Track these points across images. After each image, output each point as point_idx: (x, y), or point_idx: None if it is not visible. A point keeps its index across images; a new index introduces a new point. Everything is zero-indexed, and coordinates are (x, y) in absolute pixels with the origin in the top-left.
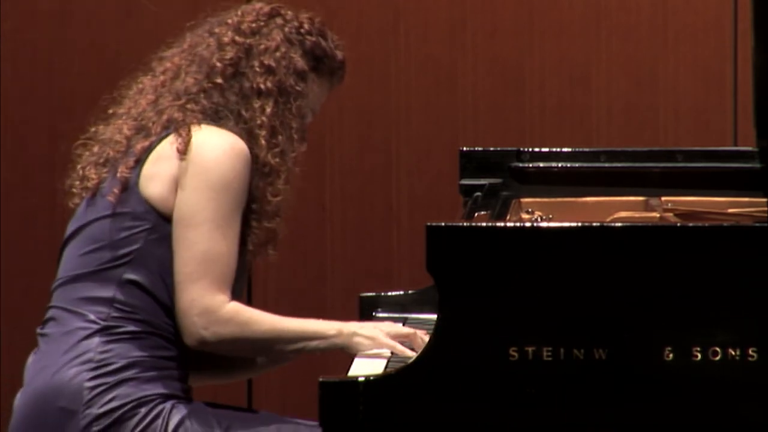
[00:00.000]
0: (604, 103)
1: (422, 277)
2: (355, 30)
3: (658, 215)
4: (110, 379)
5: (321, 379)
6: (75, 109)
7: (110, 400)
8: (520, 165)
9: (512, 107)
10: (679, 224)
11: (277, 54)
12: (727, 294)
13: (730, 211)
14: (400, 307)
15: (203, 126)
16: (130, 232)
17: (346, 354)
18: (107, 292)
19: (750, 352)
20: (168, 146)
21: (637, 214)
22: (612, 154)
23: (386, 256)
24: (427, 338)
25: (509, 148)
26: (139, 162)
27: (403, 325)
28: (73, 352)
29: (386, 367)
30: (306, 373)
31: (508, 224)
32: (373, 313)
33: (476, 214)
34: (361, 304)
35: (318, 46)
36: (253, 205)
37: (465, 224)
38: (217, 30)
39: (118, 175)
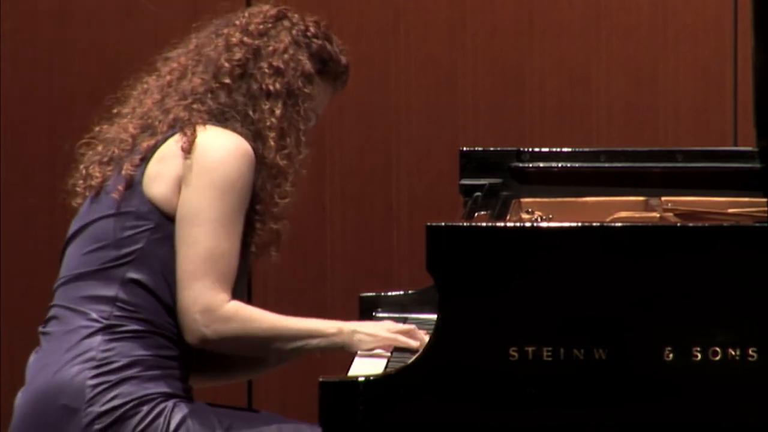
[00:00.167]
0: (604, 103)
1: (422, 277)
2: (355, 30)
3: (658, 215)
4: (112, 378)
5: (321, 379)
6: (75, 109)
7: (112, 399)
8: (520, 165)
9: (512, 107)
10: (679, 224)
11: (286, 56)
12: (727, 294)
13: (730, 211)
14: (400, 307)
15: (208, 126)
16: (133, 232)
17: (346, 354)
18: (110, 291)
19: (750, 352)
20: (173, 145)
21: (637, 214)
22: (612, 154)
23: (386, 256)
24: (427, 338)
25: (509, 148)
26: (145, 160)
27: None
28: (75, 350)
29: (386, 367)
30: (306, 373)
31: (508, 224)
32: (373, 313)
33: (476, 214)
34: (361, 304)
35: (324, 50)
36: (258, 206)
37: (465, 224)
38: (224, 31)
39: (123, 172)
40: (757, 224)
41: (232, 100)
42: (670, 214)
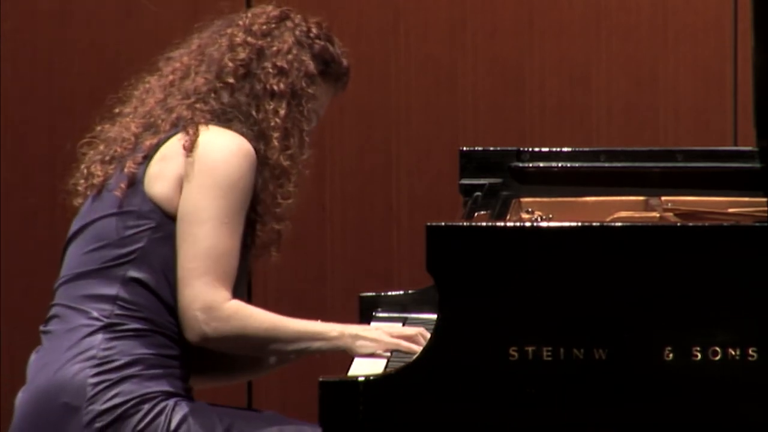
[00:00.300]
0: (604, 103)
1: (422, 277)
2: (355, 30)
3: (658, 215)
4: (113, 376)
5: (321, 379)
6: (75, 109)
7: (113, 397)
8: (520, 165)
9: (512, 107)
10: (679, 224)
11: (289, 56)
12: (727, 294)
13: (730, 211)
14: (400, 307)
15: (211, 126)
16: (134, 231)
17: (346, 354)
18: (111, 289)
19: (750, 352)
20: (175, 144)
21: (637, 214)
22: (612, 154)
23: (386, 256)
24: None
25: (509, 148)
26: (147, 158)
27: (403, 325)
28: (76, 348)
29: (386, 367)
30: (306, 373)
31: (508, 224)
32: (373, 313)
33: (476, 214)
34: (361, 304)
35: (326, 51)
36: (258, 206)
37: (465, 224)
38: (228, 31)
39: (126, 170)
40: (757, 224)
41: (235, 100)
42: (670, 214)
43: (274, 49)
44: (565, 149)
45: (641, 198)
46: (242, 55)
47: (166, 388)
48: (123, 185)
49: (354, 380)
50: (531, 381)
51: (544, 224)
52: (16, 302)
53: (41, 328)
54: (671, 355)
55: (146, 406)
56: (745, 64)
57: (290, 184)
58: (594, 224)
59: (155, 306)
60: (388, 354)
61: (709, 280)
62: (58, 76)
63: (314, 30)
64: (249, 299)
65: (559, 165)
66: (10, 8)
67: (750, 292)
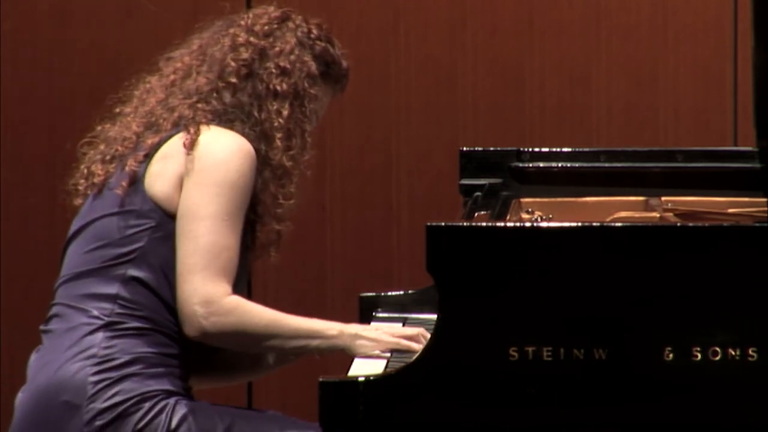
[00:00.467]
0: (604, 103)
1: (422, 277)
2: (355, 30)
3: (658, 215)
4: (114, 374)
5: (321, 379)
6: (75, 109)
7: (114, 395)
8: (520, 165)
9: (512, 107)
10: (679, 224)
11: (292, 57)
12: (727, 294)
13: (730, 211)
14: (400, 307)
15: (212, 126)
16: (134, 230)
17: (346, 354)
18: (111, 288)
19: (750, 352)
20: (176, 143)
21: (637, 214)
22: (612, 154)
23: (386, 256)
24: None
25: (509, 148)
26: (148, 156)
27: (403, 325)
28: (76, 347)
29: (386, 367)
30: (306, 373)
31: (508, 224)
32: (373, 313)
33: (476, 214)
34: (361, 304)
35: (327, 52)
36: (258, 207)
37: (465, 224)
38: (230, 31)
39: (127, 168)
40: (757, 224)
41: (237, 100)
42: (670, 214)
43: (277, 49)
44: (565, 149)
45: (641, 198)
46: (245, 55)
47: (166, 386)
48: (124, 183)
49: (354, 380)
50: (531, 381)
51: (544, 224)
52: (16, 302)
53: (41, 327)
54: (671, 355)
55: (147, 405)
56: (745, 64)
57: (292, 185)
58: (594, 224)
59: (155, 305)
60: (388, 354)
61: (709, 280)
62: (58, 76)
63: (315, 31)
64: (249, 299)
65: (559, 165)
66: (10, 8)
67: (750, 292)
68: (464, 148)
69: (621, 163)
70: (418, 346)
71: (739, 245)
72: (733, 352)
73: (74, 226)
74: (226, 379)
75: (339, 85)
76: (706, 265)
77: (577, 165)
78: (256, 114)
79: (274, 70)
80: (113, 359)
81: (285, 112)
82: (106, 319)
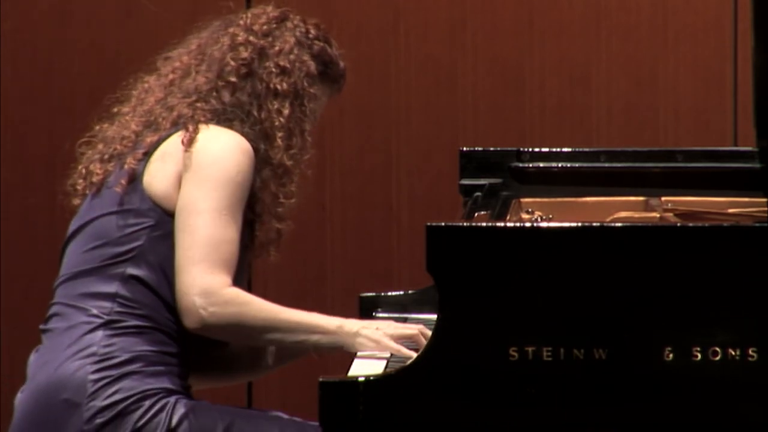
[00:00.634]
0: (604, 103)
1: (422, 277)
2: (355, 30)
3: (658, 215)
4: (114, 372)
5: (321, 379)
6: (75, 109)
7: (114, 393)
8: (520, 165)
9: (512, 107)
10: (679, 224)
11: (291, 56)
12: (727, 294)
13: (730, 211)
14: (400, 307)
15: (211, 126)
16: (133, 229)
17: (346, 354)
18: (110, 287)
19: (750, 352)
20: (175, 142)
21: (637, 214)
22: (612, 154)
23: (386, 256)
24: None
25: (509, 148)
26: (147, 154)
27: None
28: (76, 345)
29: (386, 367)
30: (306, 373)
31: (508, 224)
32: (373, 313)
33: (476, 214)
34: (361, 304)
35: (325, 52)
36: (257, 206)
37: (465, 224)
38: (229, 30)
39: (126, 166)
40: (757, 224)
41: (237, 100)
42: (670, 214)
43: (276, 48)
44: (565, 149)
45: (641, 198)
46: (244, 54)
47: (166, 385)
48: (123, 181)
49: (354, 380)
50: (531, 381)
51: (544, 224)
52: (16, 302)
53: (41, 326)
54: (671, 355)
55: (147, 403)
56: (745, 64)
57: (292, 184)
58: (594, 224)
59: (155, 303)
60: (388, 354)
61: (709, 280)
62: (58, 76)
63: (313, 31)
64: None
65: (559, 165)
66: (10, 8)
67: (750, 292)
68: (464, 148)
69: (621, 163)
70: (421, 346)
71: (739, 245)
72: (733, 352)
73: (73, 226)
74: (225, 379)
75: (336, 85)
76: (706, 265)
77: (577, 165)
78: (255, 113)
79: (273, 70)
80: (113, 357)
81: (285, 111)
82: (106, 317)
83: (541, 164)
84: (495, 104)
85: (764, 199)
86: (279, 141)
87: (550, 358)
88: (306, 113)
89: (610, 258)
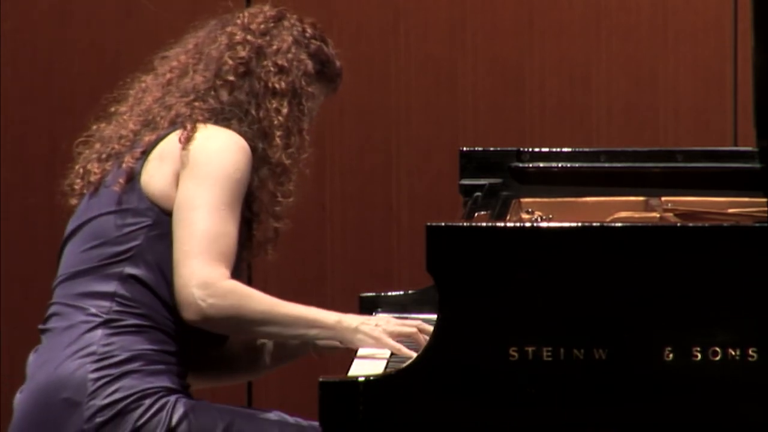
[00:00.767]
0: (604, 103)
1: (422, 277)
2: (355, 30)
3: (658, 215)
4: (114, 371)
5: (321, 379)
6: (75, 109)
7: (114, 392)
8: (520, 165)
9: (512, 107)
10: (679, 224)
11: (289, 55)
12: (727, 294)
13: (730, 211)
14: (400, 307)
15: (209, 125)
16: (131, 229)
17: (346, 354)
18: (108, 286)
19: (750, 352)
20: (173, 142)
21: (637, 214)
22: (612, 154)
23: (386, 256)
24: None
25: (509, 148)
26: (145, 153)
27: None
28: (76, 345)
29: (386, 367)
30: (306, 373)
31: (508, 224)
32: (373, 314)
33: (476, 214)
34: (361, 304)
35: (322, 51)
36: (255, 205)
37: (465, 224)
38: (226, 29)
39: (124, 165)
40: (757, 224)
41: (235, 99)
42: (670, 214)
43: (274, 47)
44: (565, 149)
45: (641, 198)
46: (242, 53)
47: (166, 383)
48: (121, 180)
49: (354, 380)
50: (531, 381)
51: (544, 224)
52: (16, 302)
53: (40, 326)
54: (671, 355)
55: (147, 402)
56: (745, 64)
57: (291, 183)
58: (594, 224)
59: (153, 302)
60: (388, 353)
61: (709, 280)
62: (58, 76)
63: (309, 30)
64: None
65: (559, 165)
66: (10, 8)
67: (750, 292)
68: (464, 148)
69: (621, 163)
70: (421, 345)
71: (739, 245)
72: (733, 352)
73: (71, 225)
74: (223, 379)
75: (333, 85)
76: (706, 265)
77: (577, 165)
78: (253, 112)
79: (271, 68)
80: (113, 356)
81: (284, 110)
82: (105, 316)
83: (541, 164)
84: (495, 104)
85: (764, 199)
86: (277, 140)
87: (550, 358)
88: (304, 112)
89: (610, 258)
